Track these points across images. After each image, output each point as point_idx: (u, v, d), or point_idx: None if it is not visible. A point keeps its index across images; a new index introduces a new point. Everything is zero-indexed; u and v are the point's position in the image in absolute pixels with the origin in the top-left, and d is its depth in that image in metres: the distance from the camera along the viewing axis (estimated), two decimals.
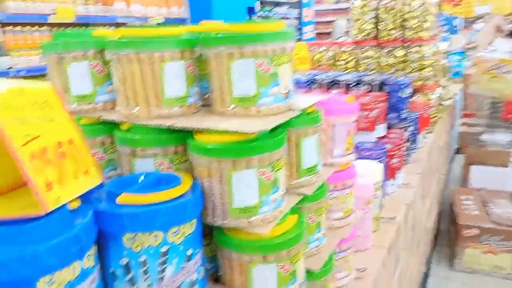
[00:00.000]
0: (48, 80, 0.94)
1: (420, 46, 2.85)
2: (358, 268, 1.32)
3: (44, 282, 0.56)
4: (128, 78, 0.88)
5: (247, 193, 0.81)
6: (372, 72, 2.85)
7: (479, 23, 6.55)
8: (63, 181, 0.63)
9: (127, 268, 0.70)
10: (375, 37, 2.98)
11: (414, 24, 2.83)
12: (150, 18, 4.73)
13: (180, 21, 5.10)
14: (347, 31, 4.76)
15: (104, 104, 0.99)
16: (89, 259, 0.64)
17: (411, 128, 2.33)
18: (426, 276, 2.84)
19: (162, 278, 0.71)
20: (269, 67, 0.86)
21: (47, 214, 0.57)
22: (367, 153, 1.70)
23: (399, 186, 2.00)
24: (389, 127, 2.17)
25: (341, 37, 4.42)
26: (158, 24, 4.71)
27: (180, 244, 0.72)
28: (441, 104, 3.23)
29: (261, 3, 7.20)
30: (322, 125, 1.03)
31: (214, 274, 0.91)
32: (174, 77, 0.88)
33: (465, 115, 4.52)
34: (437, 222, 3.29)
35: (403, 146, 2.08)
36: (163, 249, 0.70)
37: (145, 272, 0.70)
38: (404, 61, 2.89)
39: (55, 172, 0.61)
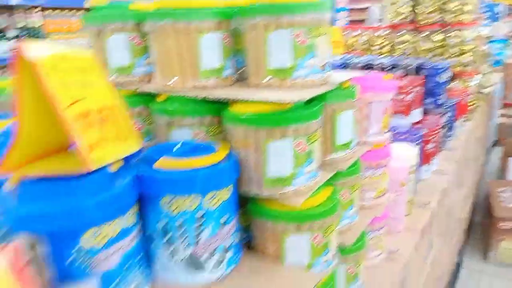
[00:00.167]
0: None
1: (460, 30, 2.74)
2: (390, 250, 1.30)
3: (90, 235, 0.59)
4: (165, 49, 0.89)
5: (282, 164, 0.81)
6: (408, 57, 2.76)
7: None
8: (104, 144, 0.64)
9: (164, 231, 0.72)
10: (412, 21, 2.88)
11: (455, 7, 2.71)
12: None
13: None
14: (381, 19, 4.63)
15: (141, 76, 1.01)
16: (130, 218, 0.66)
17: (448, 115, 2.26)
18: (458, 267, 2.77)
19: (197, 242, 0.73)
20: (306, 39, 0.85)
21: (91, 173, 0.60)
22: (402, 137, 1.66)
23: (433, 172, 1.95)
24: (425, 113, 2.11)
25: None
26: None
27: (215, 210, 0.73)
28: (480, 92, 3.10)
29: None
30: (358, 101, 1.01)
31: (248, 243, 0.92)
32: (211, 49, 0.89)
33: (505, 105, 4.33)
34: (470, 213, 3.19)
35: (439, 132, 2.02)
36: (198, 214, 0.72)
37: (182, 235, 0.72)
38: (442, 46, 2.78)
39: (97, 135, 0.63)
